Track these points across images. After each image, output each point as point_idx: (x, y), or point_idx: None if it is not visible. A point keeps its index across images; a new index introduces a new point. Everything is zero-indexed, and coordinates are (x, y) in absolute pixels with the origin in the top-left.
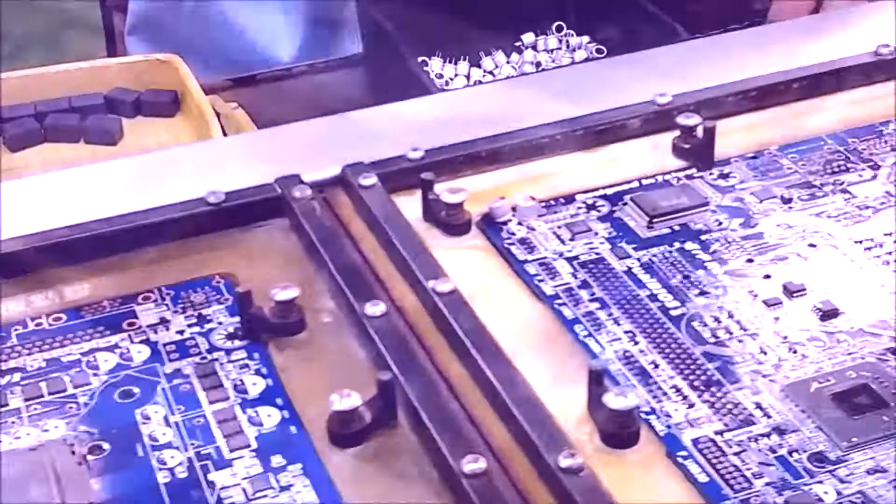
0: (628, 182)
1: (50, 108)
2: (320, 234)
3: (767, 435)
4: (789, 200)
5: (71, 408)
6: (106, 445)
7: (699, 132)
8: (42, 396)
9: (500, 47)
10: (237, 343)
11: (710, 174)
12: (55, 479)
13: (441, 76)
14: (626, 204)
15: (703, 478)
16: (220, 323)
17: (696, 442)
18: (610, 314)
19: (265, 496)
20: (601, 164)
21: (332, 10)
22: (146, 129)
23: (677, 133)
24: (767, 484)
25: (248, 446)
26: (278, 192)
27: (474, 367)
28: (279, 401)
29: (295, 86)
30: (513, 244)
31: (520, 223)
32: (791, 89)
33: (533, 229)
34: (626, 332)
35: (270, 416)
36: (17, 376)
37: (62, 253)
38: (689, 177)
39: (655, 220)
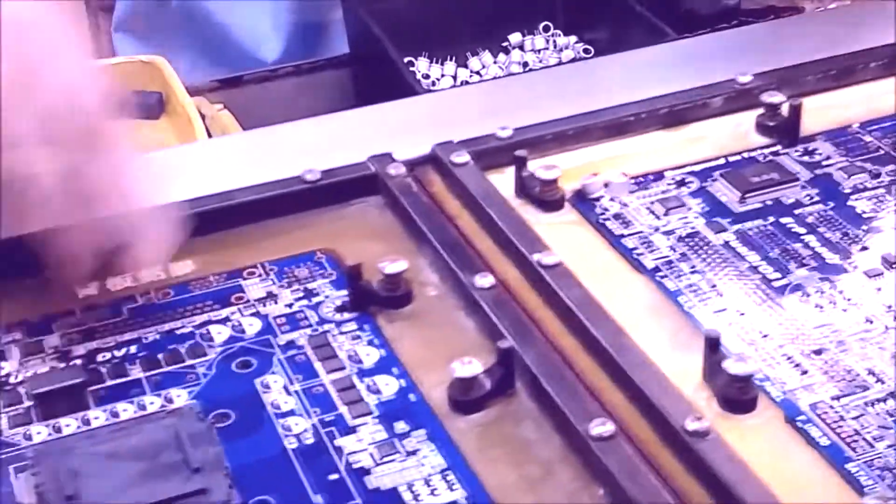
0: (715, 159)
1: None
2: (418, 210)
3: (883, 400)
4: (878, 175)
5: (191, 377)
6: (231, 413)
7: (784, 110)
8: (161, 367)
9: (487, 47)
10: (346, 315)
11: (796, 151)
12: (187, 445)
13: (427, 76)
14: (715, 180)
15: (824, 441)
16: (326, 296)
17: (813, 407)
18: (713, 286)
19: (393, 460)
20: (686, 142)
21: (318, 10)
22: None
23: (760, 111)
24: (889, 446)
25: (371, 413)
26: (372, 170)
27: (587, 337)
28: (395, 370)
29: (281, 87)
30: (608, 219)
31: (612, 199)
32: (870, 67)
33: (626, 205)
34: (731, 303)
35: (388, 385)
36: (133, 348)
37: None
38: (774, 154)
39: (748, 194)
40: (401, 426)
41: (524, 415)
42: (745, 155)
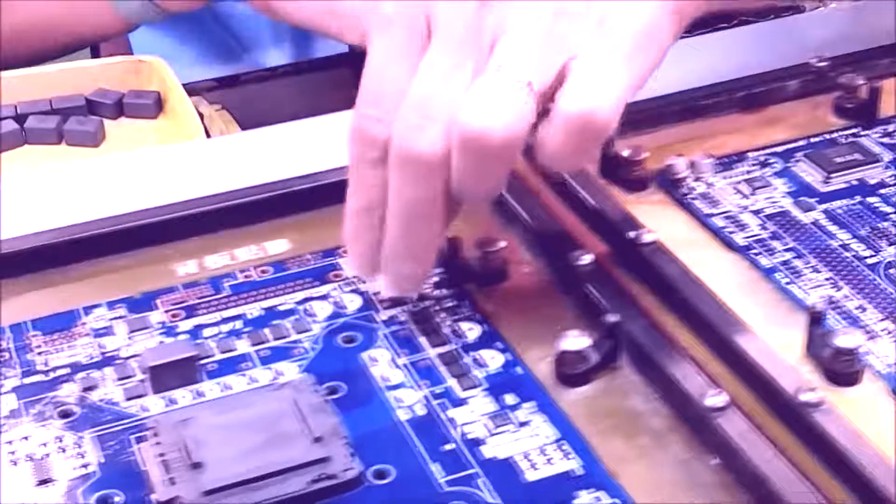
0: (794, 141)
1: (30, 109)
2: (507, 189)
3: None
4: None
5: (298, 352)
6: (341, 386)
7: (863, 92)
8: (267, 342)
9: None
10: (444, 291)
11: (875, 132)
12: (305, 414)
13: None
14: (798, 161)
15: None
16: None
17: None
18: (807, 262)
19: (506, 431)
20: (765, 124)
21: None
22: (128, 130)
23: (837, 93)
24: None
25: (479, 386)
26: None
27: (689, 312)
28: (499, 344)
29: (279, 86)
30: (694, 199)
31: (697, 179)
32: None
33: (711, 185)
34: (826, 279)
35: (494, 359)
36: (238, 324)
37: (260, 209)
38: (854, 135)
39: (833, 174)
40: (510, 398)
41: (630, 388)
42: (825, 136)
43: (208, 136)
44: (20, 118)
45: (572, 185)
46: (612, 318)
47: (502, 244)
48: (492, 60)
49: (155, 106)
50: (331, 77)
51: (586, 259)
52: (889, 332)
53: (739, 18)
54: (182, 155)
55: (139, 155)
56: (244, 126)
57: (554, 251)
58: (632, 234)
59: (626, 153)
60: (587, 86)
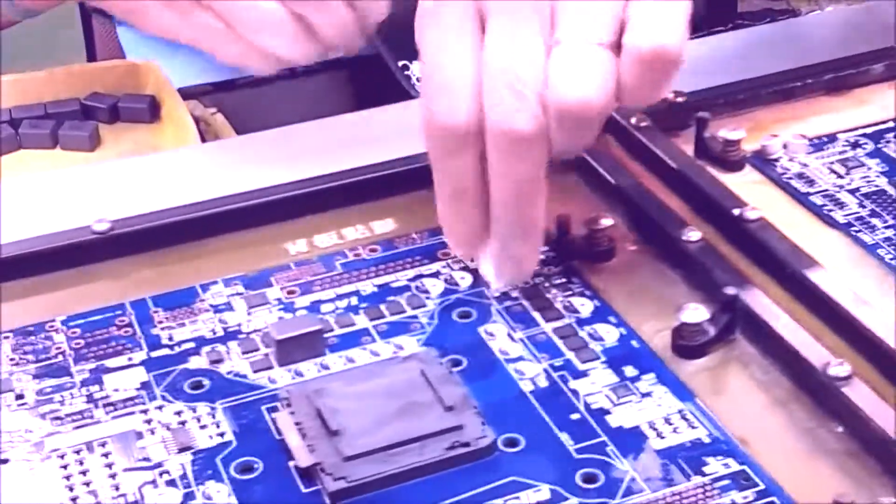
0: (883, 122)
1: (25, 114)
2: (609, 169)
3: None
4: None
5: (415, 326)
6: (462, 359)
7: None
8: (384, 317)
9: None
10: (553, 269)
11: None
12: (435, 385)
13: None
14: (889, 142)
15: None
16: None
17: None
18: None
19: (629, 402)
20: (851, 106)
21: None
22: (124, 135)
23: None
24: None
25: (598, 359)
26: None
27: (800, 286)
28: (612, 319)
29: (275, 90)
30: (791, 178)
31: (791, 159)
32: None
33: (806, 165)
34: None
35: (609, 333)
36: (354, 300)
37: (366, 189)
38: None
39: None
40: (630, 370)
41: (748, 359)
42: None
43: (203, 140)
44: (14, 123)
45: (672, 166)
46: (729, 290)
47: (610, 222)
48: (562, 26)
49: (150, 110)
50: (328, 80)
51: (694, 236)
52: None
53: (735, 22)
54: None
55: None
56: (241, 131)
57: (660, 229)
58: (736, 211)
59: (722, 134)
60: (653, 22)
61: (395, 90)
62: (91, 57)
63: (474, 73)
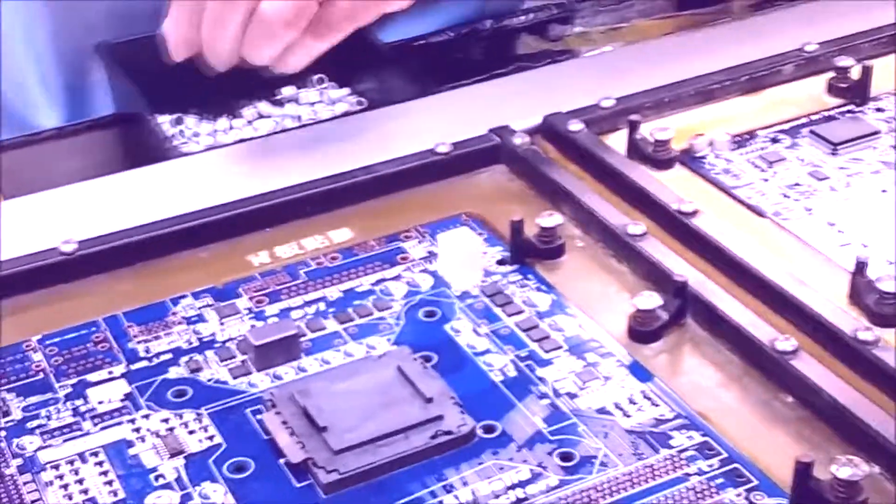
0: (797, 119)
1: None
2: (553, 171)
3: None
4: None
5: (384, 327)
6: (433, 355)
7: (854, 73)
8: (354, 320)
9: (258, 100)
10: (509, 268)
11: (868, 108)
12: (410, 379)
13: (197, 134)
14: (804, 137)
15: None
16: (484, 252)
17: None
18: (832, 223)
19: (594, 385)
20: (767, 106)
21: (82, 72)
22: None
23: (832, 74)
24: None
25: (561, 347)
26: (497, 141)
27: (741, 271)
28: (570, 310)
29: (45, 150)
30: (718, 173)
31: (717, 156)
32: None
33: (731, 161)
34: (854, 238)
35: (568, 323)
36: (322, 305)
37: (323, 201)
38: (850, 111)
39: (839, 146)
40: (592, 356)
41: (700, 341)
42: (824, 114)
43: None
44: None
45: (611, 165)
46: (679, 277)
47: (559, 221)
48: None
49: None
50: (96, 139)
51: (638, 229)
52: None
53: (516, 65)
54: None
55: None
56: (8, 195)
57: (605, 226)
58: (674, 205)
59: (652, 135)
60: None
61: (161, 146)
62: None
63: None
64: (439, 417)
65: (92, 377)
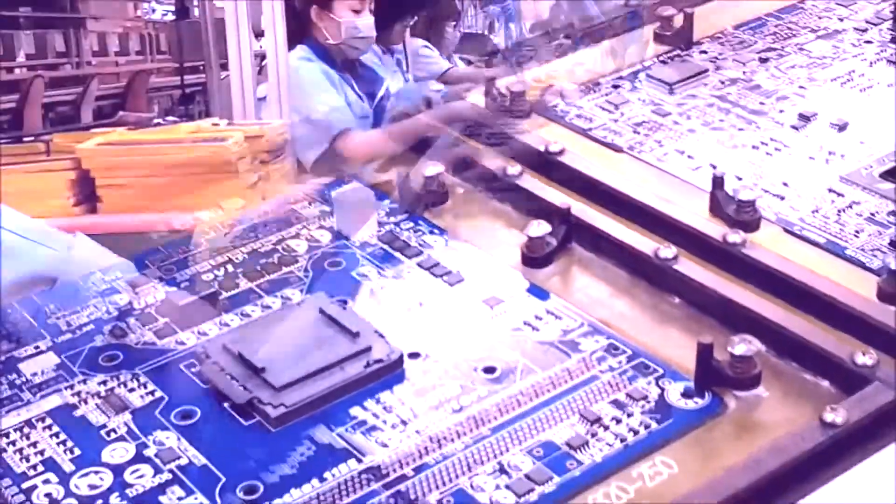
0: (632, 66)
1: None
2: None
3: (850, 206)
4: (766, 60)
5: (294, 279)
6: (347, 299)
7: (677, 21)
8: (264, 276)
9: None
10: (399, 217)
11: (693, 53)
12: (333, 318)
13: None
14: (641, 81)
15: (821, 240)
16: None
17: (802, 219)
18: (681, 151)
19: (503, 309)
20: (602, 57)
21: None
22: None
23: (657, 24)
24: (870, 235)
25: (463, 280)
26: None
27: (612, 198)
28: (464, 248)
29: None
30: (573, 119)
31: (567, 104)
32: None
33: (581, 107)
34: (703, 160)
35: (466, 257)
36: (230, 267)
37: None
38: (677, 56)
39: (675, 86)
40: (494, 284)
41: (587, 262)
42: (655, 60)
43: None
44: None
45: (480, 121)
46: (563, 204)
47: (440, 170)
48: None
49: None
50: None
51: (514, 170)
52: (766, 191)
53: None
54: None
55: None
56: None
57: (484, 170)
58: (541, 147)
59: (509, 88)
60: None
61: None
62: None
63: None
64: (368, 349)
65: (19, 353)
